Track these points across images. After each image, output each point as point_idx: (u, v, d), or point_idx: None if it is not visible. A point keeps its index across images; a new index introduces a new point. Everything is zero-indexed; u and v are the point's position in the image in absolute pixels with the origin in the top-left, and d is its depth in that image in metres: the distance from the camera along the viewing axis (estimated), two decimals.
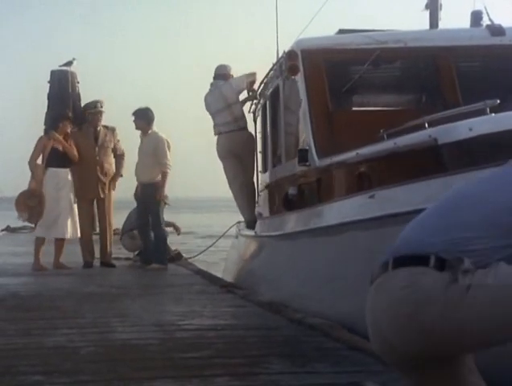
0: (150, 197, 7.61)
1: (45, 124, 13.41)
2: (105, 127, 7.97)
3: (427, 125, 3.90)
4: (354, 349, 3.45)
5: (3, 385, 2.88)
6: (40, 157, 7.65)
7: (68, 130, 7.78)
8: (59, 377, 2.98)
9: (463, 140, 3.56)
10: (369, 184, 4.22)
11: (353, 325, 3.76)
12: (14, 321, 4.41)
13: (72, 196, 7.64)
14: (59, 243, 7.64)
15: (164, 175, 7.61)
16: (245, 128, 7.40)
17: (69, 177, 7.66)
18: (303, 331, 4.03)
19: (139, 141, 7.96)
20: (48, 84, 14.85)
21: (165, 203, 7.99)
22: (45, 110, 14.47)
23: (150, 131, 7.77)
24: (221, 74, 7.29)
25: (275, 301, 4.95)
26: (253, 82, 7.40)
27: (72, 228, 7.59)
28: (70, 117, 8.34)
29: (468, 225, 1.80)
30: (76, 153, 7.64)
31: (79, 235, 7.72)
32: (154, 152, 7.60)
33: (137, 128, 7.83)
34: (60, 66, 14.90)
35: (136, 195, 7.92)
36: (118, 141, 8.07)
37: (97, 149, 7.80)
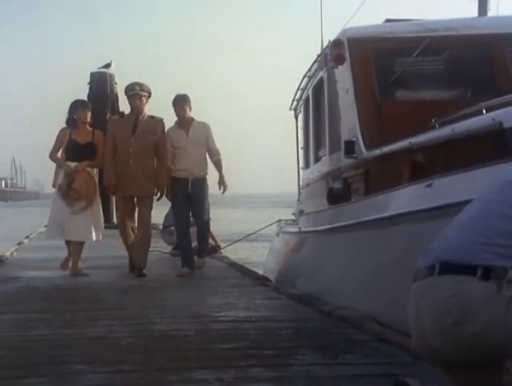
0: (205, 192, 6.68)
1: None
2: (151, 117, 6.59)
3: (484, 111, 3.60)
4: (384, 341, 3.43)
5: (49, 374, 2.94)
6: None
7: (88, 118, 6.57)
8: (101, 367, 3.03)
9: None
10: (423, 174, 3.88)
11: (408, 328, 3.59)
12: (59, 313, 4.50)
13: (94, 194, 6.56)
14: (77, 246, 6.61)
15: (221, 164, 6.69)
16: None
17: (90, 172, 6.57)
18: (333, 323, 4.02)
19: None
20: (88, 86, 15.09)
21: None
22: None
23: (195, 120, 6.72)
24: None
25: (321, 297, 4.76)
26: None
27: (91, 230, 6.54)
28: (87, 103, 6.90)
29: None
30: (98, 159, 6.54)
31: (100, 237, 6.69)
32: (206, 142, 6.65)
33: (186, 116, 6.62)
34: (99, 68, 15.15)
35: (180, 192, 6.57)
36: (164, 134, 6.59)
37: (132, 140, 6.45)
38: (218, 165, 6.67)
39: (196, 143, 6.58)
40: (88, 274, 6.52)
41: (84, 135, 6.54)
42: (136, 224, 6.71)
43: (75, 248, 6.60)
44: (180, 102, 6.61)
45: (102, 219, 6.83)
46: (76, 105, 6.63)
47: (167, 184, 6.59)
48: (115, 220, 11.04)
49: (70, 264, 6.64)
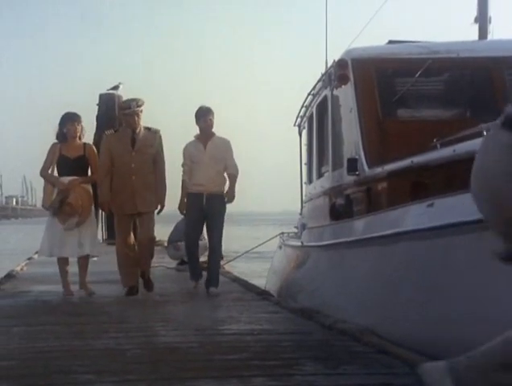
0: (222, 209, 6.26)
1: (94, 142, 13.65)
2: (147, 129, 6.24)
3: (485, 132, 3.56)
4: (383, 352, 3.44)
5: (58, 383, 2.96)
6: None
7: (78, 132, 6.19)
8: (109, 376, 3.04)
9: None
10: (425, 193, 3.87)
11: (405, 341, 3.56)
12: (67, 325, 4.53)
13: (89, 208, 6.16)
14: (83, 261, 6.28)
15: (235, 179, 6.31)
16: None
17: (86, 187, 6.20)
18: (334, 336, 4.03)
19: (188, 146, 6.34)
20: (97, 107, 15.26)
21: None
22: (94, 131, 14.81)
23: (215, 134, 6.34)
24: None
25: (322, 310, 4.76)
26: None
27: (89, 244, 6.17)
28: (77, 116, 6.31)
29: None
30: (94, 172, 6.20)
31: (95, 253, 6.35)
32: (224, 157, 6.27)
33: (209, 129, 6.26)
34: (108, 90, 15.33)
35: (194, 207, 6.22)
36: (161, 146, 6.25)
37: (133, 154, 6.10)
38: (232, 178, 6.27)
39: (214, 158, 6.20)
40: (95, 292, 6.22)
41: (74, 149, 6.17)
42: (137, 240, 6.25)
43: (81, 262, 6.27)
44: (205, 114, 6.22)
45: (97, 235, 6.49)
46: (66, 119, 6.22)
47: (182, 199, 6.28)
48: None
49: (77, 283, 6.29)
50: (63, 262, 6.26)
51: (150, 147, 6.15)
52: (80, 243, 6.10)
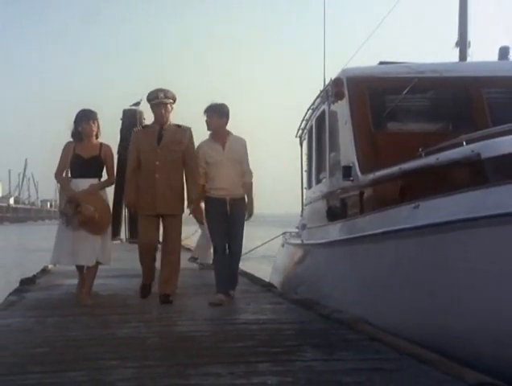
0: (243, 214, 5.26)
1: (118, 152, 13.68)
2: (177, 126, 5.25)
3: (464, 143, 3.63)
4: (375, 340, 3.43)
5: (86, 368, 2.95)
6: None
7: (94, 131, 5.21)
8: (131, 362, 3.04)
9: (507, 154, 3.26)
10: (411, 197, 3.92)
11: (394, 329, 3.56)
12: (94, 316, 4.53)
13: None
14: (91, 271, 5.28)
15: (252, 188, 5.36)
16: None
17: (98, 196, 5.20)
18: (331, 325, 4.01)
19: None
20: (121, 121, 15.37)
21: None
22: (118, 142, 14.89)
23: (231, 134, 5.32)
24: None
25: (320, 301, 4.76)
26: None
27: (100, 252, 5.17)
28: (93, 114, 5.27)
29: None
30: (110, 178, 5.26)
31: (107, 261, 5.29)
32: (242, 159, 5.28)
33: (214, 127, 5.25)
34: (130, 106, 15.44)
35: (217, 212, 5.18)
36: (192, 144, 5.24)
37: (158, 151, 5.15)
38: (248, 188, 5.33)
39: (233, 159, 5.20)
40: (89, 306, 5.02)
41: (88, 149, 5.18)
42: (161, 246, 5.35)
43: (88, 272, 5.28)
44: (209, 110, 5.25)
45: (110, 242, 5.39)
46: (81, 117, 5.20)
47: (199, 203, 5.33)
48: None
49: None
50: (80, 270, 5.36)
51: (178, 144, 5.15)
52: (92, 250, 5.14)
